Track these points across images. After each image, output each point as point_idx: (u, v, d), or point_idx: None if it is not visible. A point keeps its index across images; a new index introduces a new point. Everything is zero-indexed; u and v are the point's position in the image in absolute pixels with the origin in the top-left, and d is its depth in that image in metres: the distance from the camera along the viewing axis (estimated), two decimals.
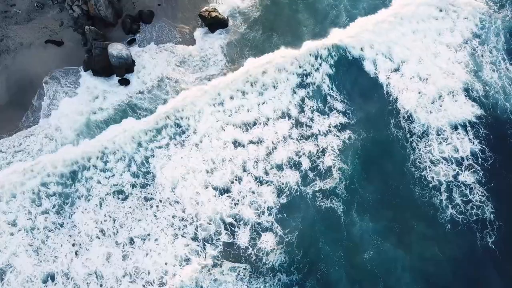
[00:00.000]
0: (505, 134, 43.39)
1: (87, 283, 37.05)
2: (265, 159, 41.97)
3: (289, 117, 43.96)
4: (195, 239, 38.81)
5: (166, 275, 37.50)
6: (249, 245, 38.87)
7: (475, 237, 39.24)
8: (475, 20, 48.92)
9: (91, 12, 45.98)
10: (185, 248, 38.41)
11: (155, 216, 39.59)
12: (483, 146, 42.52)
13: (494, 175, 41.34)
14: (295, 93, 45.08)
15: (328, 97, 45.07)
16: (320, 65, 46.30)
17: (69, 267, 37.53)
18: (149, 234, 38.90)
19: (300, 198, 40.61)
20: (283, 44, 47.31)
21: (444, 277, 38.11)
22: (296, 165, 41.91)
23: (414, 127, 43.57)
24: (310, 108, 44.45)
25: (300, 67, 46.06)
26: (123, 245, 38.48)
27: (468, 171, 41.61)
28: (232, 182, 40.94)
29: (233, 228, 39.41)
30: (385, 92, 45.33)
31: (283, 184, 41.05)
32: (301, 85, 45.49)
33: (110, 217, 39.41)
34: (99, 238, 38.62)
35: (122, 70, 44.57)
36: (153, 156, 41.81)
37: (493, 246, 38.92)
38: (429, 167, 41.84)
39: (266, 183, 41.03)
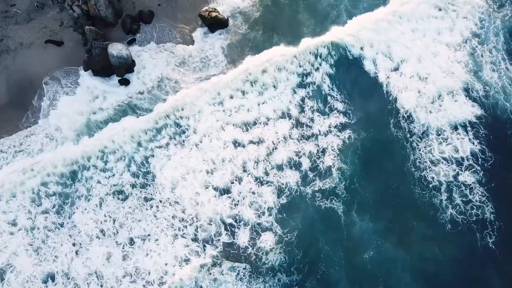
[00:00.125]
0: (505, 134, 43.36)
1: (87, 283, 37.04)
2: (265, 159, 41.95)
3: (290, 117, 43.94)
4: (195, 240, 38.77)
5: (166, 275, 37.49)
6: (249, 244, 38.85)
7: (475, 238, 39.22)
8: (475, 20, 48.92)
9: (91, 12, 45.98)
10: (185, 248, 38.39)
11: (155, 216, 39.58)
12: (483, 147, 42.49)
13: (494, 175, 41.30)
14: (295, 92, 45.06)
15: (329, 97, 45.06)
16: (320, 64, 46.30)
17: (70, 267, 37.52)
18: (149, 235, 38.88)
19: (300, 198, 40.59)
20: (284, 44, 47.30)
21: (444, 278, 38.08)
22: (296, 165, 41.89)
23: (414, 127, 43.56)
24: (310, 108, 44.45)
25: (300, 66, 46.05)
26: (123, 245, 38.48)
27: (468, 171, 41.59)
28: (232, 183, 40.92)
29: (233, 229, 39.40)
30: (385, 91, 45.32)
31: (283, 184, 41.03)
32: (301, 85, 45.49)
33: (110, 217, 39.41)
34: (99, 238, 38.62)
35: (122, 70, 44.57)
36: (153, 156, 41.81)
37: (493, 247, 38.90)
38: (429, 167, 41.82)
39: (266, 183, 41.02)
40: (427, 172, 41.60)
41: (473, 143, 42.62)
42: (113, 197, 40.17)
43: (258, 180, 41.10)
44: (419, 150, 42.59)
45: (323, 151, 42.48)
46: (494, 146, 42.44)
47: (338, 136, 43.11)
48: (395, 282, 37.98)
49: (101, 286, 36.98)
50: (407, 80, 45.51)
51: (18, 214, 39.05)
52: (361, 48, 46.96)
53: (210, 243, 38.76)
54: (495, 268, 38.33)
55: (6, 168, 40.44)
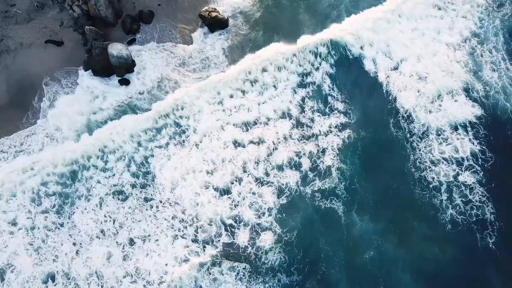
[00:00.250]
0: (505, 135, 43.36)
1: (87, 284, 37.01)
2: (265, 160, 41.92)
3: (290, 117, 43.93)
4: (195, 240, 38.75)
5: (166, 275, 37.45)
6: (249, 244, 38.82)
7: (475, 238, 39.20)
8: (474, 19, 48.94)
9: (91, 12, 45.97)
10: (185, 249, 38.36)
11: (155, 216, 39.55)
12: (483, 147, 42.46)
13: (495, 176, 41.30)
14: (295, 92, 45.06)
15: (329, 97, 45.05)
16: (320, 64, 46.30)
17: (70, 267, 37.50)
18: (149, 235, 38.84)
19: (300, 198, 40.57)
20: (284, 43, 47.38)
21: (444, 278, 38.06)
22: (297, 166, 41.87)
23: (414, 127, 43.54)
24: (310, 108, 44.43)
25: (300, 65, 46.06)
26: (123, 246, 38.45)
27: (469, 171, 41.57)
28: (232, 183, 40.89)
29: (233, 229, 39.36)
30: (384, 91, 45.31)
31: (283, 184, 41.00)
32: (301, 85, 45.48)
33: (110, 217, 39.38)
34: (99, 238, 38.59)
35: (122, 70, 44.55)
36: (152, 156, 41.79)
37: (493, 247, 38.88)
38: (429, 167, 41.79)
39: (266, 183, 40.98)
40: (427, 172, 41.58)
41: (473, 143, 42.59)
42: (113, 197, 40.16)
43: (259, 181, 41.07)
44: (419, 150, 42.57)
45: (323, 151, 42.46)
46: (494, 146, 42.42)
47: (338, 135, 43.09)
48: (395, 282, 37.96)
49: (102, 286, 36.95)
50: (407, 80, 45.52)
51: (18, 214, 39.04)
52: (361, 48, 46.99)
53: (210, 243, 38.73)
54: (495, 268, 38.31)
55: (6, 167, 40.38)
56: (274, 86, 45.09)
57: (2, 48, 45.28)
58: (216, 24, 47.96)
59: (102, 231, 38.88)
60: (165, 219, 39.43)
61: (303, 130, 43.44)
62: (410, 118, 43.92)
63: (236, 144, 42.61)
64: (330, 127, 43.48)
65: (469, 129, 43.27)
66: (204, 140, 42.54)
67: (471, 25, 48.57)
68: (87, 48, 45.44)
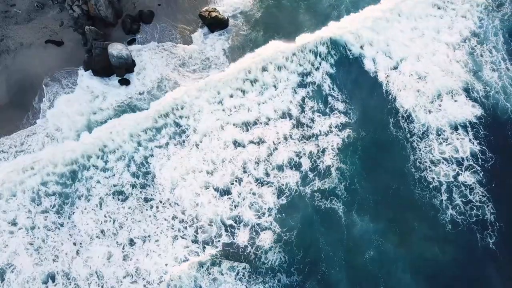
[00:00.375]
0: (506, 135, 43.34)
1: (88, 284, 36.99)
2: (266, 160, 41.88)
3: (290, 117, 43.90)
4: (195, 241, 38.71)
5: (166, 275, 37.41)
6: (248, 243, 38.79)
7: (475, 238, 39.18)
8: (474, 18, 48.90)
9: (91, 12, 45.98)
10: (185, 249, 38.34)
11: (155, 217, 39.52)
12: (483, 147, 42.43)
13: (495, 176, 41.28)
14: (295, 92, 45.03)
15: (329, 97, 45.02)
16: (320, 64, 46.28)
17: (70, 267, 37.49)
18: (149, 235, 38.82)
19: (300, 198, 40.55)
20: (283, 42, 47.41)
21: (444, 278, 38.06)
22: (297, 166, 41.84)
23: (414, 127, 43.52)
24: (310, 108, 44.40)
25: (300, 65, 46.04)
26: (123, 246, 38.43)
27: (469, 171, 41.53)
28: (232, 183, 40.86)
29: (232, 230, 39.33)
30: (384, 91, 45.30)
31: (283, 185, 40.97)
32: (301, 85, 45.47)
33: (110, 217, 39.37)
34: (99, 238, 38.58)
35: (122, 70, 44.53)
36: (152, 156, 41.77)
37: (494, 247, 38.87)
38: (429, 167, 41.77)
39: (266, 184, 40.96)
40: (427, 173, 41.56)
41: (473, 144, 42.57)
42: (113, 197, 40.15)
43: (259, 181, 41.05)
44: (419, 150, 42.55)
45: (323, 151, 42.44)
46: (494, 147, 42.40)
47: (338, 135, 43.07)
48: (396, 282, 37.95)
49: (102, 287, 36.93)
50: (407, 79, 45.51)
51: (18, 214, 39.04)
52: (361, 47, 46.97)
53: (210, 244, 38.70)
54: (495, 268, 38.29)
55: (6, 165, 40.36)
56: (274, 86, 45.08)
57: (2, 48, 45.30)
58: (216, 24, 47.94)
59: (102, 231, 38.88)
60: (165, 219, 39.42)
61: (303, 130, 43.42)
62: (410, 118, 43.91)
63: (236, 144, 42.59)
64: (330, 127, 43.47)
65: (469, 129, 43.25)
66: (204, 140, 42.52)
67: (471, 24, 48.56)
68: (87, 48, 45.45)
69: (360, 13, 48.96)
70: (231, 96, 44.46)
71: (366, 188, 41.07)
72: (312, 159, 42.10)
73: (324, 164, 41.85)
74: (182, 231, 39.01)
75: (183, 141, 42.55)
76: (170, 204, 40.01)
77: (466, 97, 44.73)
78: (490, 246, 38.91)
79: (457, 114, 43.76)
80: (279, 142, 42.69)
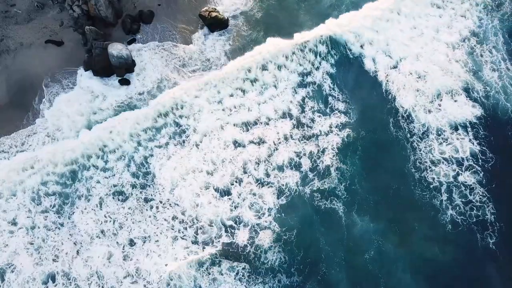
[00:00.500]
0: (506, 135, 43.30)
1: (88, 284, 36.98)
2: (266, 160, 41.85)
3: (290, 117, 43.86)
4: (195, 242, 38.68)
5: (165, 273, 37.37)
6: (248, 243, 38.76)
7: (475, 238, 39.17)
8: (473, 18, 48.82)
9: (91, 12, 45.98)
10: (185, 250, 38.31)
11: (155, 217, 39.50)
12: (483, 147, 42.39)
13: (495, 176, 41.25)
14: (296, 92, 44.99)
15: (329, 97, 44.98)
16: (320, 63, 46.24)
17: (70, 267, 37.48)
18: (149, 236, 38.81)
19: (300, 198, 40.53)
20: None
21: (444, 278, 38.06)
22: (297, 166, 41.82)
23: (414, 127, 43.49)
24: (311, 108, 44.36)
25: (300, 65, 45.99)
26: (123, 246, 38.41)
27: (469, 171, 41.49)
28: (232, 184, 40.83)
29: (232, 230, 39.30)
30: (384, 90, 45.24)
31: (283, 185, 40.94)
32: (301, 84, 45.42)
33: (110, 218, 39.35)
34: (99, 238, 38.57)
35: (122, 70, 44.53)
36: (152, 156, 41.75)
37: (494, 247, 38.85)
38: (430, 168, 41.73)
39: (267, 184, 40.93)
40: (428, 173, 41.53)
41: (473, 144, 42.53)
42: (113, 197, 40.13)
43: (259, 182, 41.01)
44: (420, 151, 42.53)
45: (324, 151, 42.40)
46: (494, 147, 42.37)
47: (338, 135, 43.03)
48: (396, 283, 37.96)
49: (102, 287, 36.89)
50: (406, 79, 45.45)
51: (18, 213, 39.05)
52: (361, 46, 46.89)
53: (210, 244, 38.67)
54: (495, 268, 38.29)
55: (7, 164, 40.36)
56: (275, 86, 45.03)
57: (2, 48, 45.31)
58: (216, 24, 47.89)
59: (102, 231, 38.87)
60: (165, 220, 39.39)
61: (304, 130, 43.38)
62: (410, 118, 43.88)
63: (236, 144, 42.57)
64: (331, 127, 43.43)
65: (469, 129, 43.21)
66: (204, 140, 42.48)
67: (470, 24, 48.50)
68: (87, 48, 45.45)
69: (359, 11, 48.89)
70: (231, 95, 44.43)
71: (366, 188, 41.05)
72: (312, 159, 42.08)
73: (324, 164, 41.82)
74: (182, 232, 38.99)
75: (183, 141, 42.53)
76: (170, 204, 40.00)
77: (466, 97, 44.68)
78: (490, 246, 38.89)
79: (457, 114, 43.73)
80: (280, 142, 42.66)
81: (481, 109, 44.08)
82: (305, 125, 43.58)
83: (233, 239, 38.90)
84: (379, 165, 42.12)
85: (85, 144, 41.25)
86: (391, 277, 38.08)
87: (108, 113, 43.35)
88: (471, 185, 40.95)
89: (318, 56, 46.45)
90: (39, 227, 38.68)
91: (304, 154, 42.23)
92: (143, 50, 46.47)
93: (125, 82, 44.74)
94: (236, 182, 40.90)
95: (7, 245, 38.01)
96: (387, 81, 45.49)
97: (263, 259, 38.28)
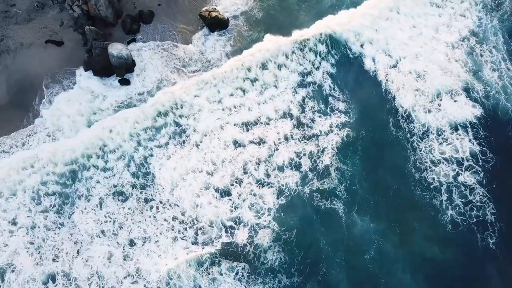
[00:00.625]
0: (506, 135, 43.28)
1: (88, 284, 36.98)
2: (266, 160, 41.82)
3: (291, 117, 43.83)
4: (195, 243, 38.67)
5: (164, 272, 37.40)
6: (247, 243, 38.74)
7: (476, 238, 39.17)
8: (473, 17, 48.77)
9: (91, 12, 45.97)
10: (185, 250, 38.30)
11: (155, 218, 39.49)
12: (483, 147, 42.37)
13: (495, 176, 41.23)
14: (296, 92, 44.95)
15: (329, 97, 44.95)
16: (320, 63, 46.20)
17: (70, 267, 37.49)
18: (149, 236, 38.80)
19: (300, 199, 40.52)
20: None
21: (444, 278, 38.08)
22: (297, 166, 41.80)
23: (414, 127, 43.46)
24: (311, 108, 44.32)
25: (300, 64, 45.94)
26: (124, 246, 38.41)
27: (469, 172, 41.47)
28: (233, 184, 40.81)
29: (232, 230, 39.29)
30: (384, 90, 45.18)
31: (284, 185, 40.92)
32: (302, 84, 45.37)
33: (110, 218, 39.35)
34: (99, 237, 38.57)
35: (122, 70, 44.52)
36: (152, 156, 41.73)
37: (494, 247, 38.86)
38: (430, 168, 41.71)
39: (267, 185, 40.90)
40: (428, 173, 41.51)
41: (473, 144, 42.51)
42: (113, 197, 40.12)
43: (259, 182, 40.98)
44: (420, 151, 42.51)
45: (324, 151, 42.37)
46: (494, 147, 42.34)
47: (338, 134, 43.01)
48: (396, 283, 37.97)
49: (102, 287, 36.89)
50: (406, 78, 45.40)
51: (18, 213, 39.05)
52: (362, 46, 46.83)
53: (210, 245, 38.65)
54: (495, 268, 38.29)
55: (7, 162, 40.34)
56: (275, 86, 44.99)
57: (2, 48, 45.32)
58: (216, 24, 47.82)
59: (102, 231, 38.87)
60: (165, 220, 39.38)
61: (304, 130, 43.36)
62: (410, 117, 43.86)
63: (236, 144, 42.54)
64: (331, 127, 43.39)
65: (469, 129, 43.18)
66: (204, 140, 42.45)
67: (470, 23, 48.42)
68: (87, 48, 45.44)
69: (358, 8, 48.85)
70: (231, 95, 44.40)
71: (366, 188, 41.04)
72: (313, 159, 42.06)
73: (324, 164, 41.80)
74: (182, 232, 38.98)
75: (183, 141, 42.51)
76: (170, 205, 39.99)
77: (466, 97, 44.64)
78: (491, 246, 38.88)
79: (457, 114, 43.69)
80: (280, 143, 42.64)
81: (481, 109, 44.06)
82: (305, 125, 43.56)
83: (233, 239, 38.89)
84: (379, 165, 42.11)
85: (85, 143, 41.22)
86: (391, 277, 38.08)
87: (108, 113, 43.32)
88: (471, 185, 40.94)
89: (318, 56, 46.42)
90: (39, 227, 38.70)
91: (304, 154, 42.22)
92: (143, 50, 46.45)
93: (125, 82, 44.73)
94: (236, 182, 40.89)
95: (7, 245, 38.03)
96: (387, 80, 45.45)
97: (263, 259, 38.29)
